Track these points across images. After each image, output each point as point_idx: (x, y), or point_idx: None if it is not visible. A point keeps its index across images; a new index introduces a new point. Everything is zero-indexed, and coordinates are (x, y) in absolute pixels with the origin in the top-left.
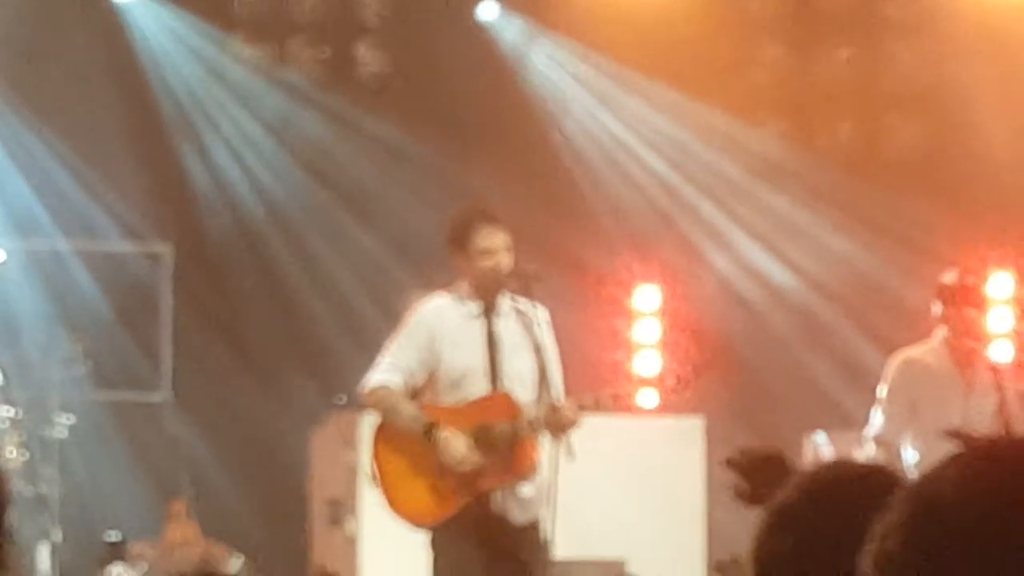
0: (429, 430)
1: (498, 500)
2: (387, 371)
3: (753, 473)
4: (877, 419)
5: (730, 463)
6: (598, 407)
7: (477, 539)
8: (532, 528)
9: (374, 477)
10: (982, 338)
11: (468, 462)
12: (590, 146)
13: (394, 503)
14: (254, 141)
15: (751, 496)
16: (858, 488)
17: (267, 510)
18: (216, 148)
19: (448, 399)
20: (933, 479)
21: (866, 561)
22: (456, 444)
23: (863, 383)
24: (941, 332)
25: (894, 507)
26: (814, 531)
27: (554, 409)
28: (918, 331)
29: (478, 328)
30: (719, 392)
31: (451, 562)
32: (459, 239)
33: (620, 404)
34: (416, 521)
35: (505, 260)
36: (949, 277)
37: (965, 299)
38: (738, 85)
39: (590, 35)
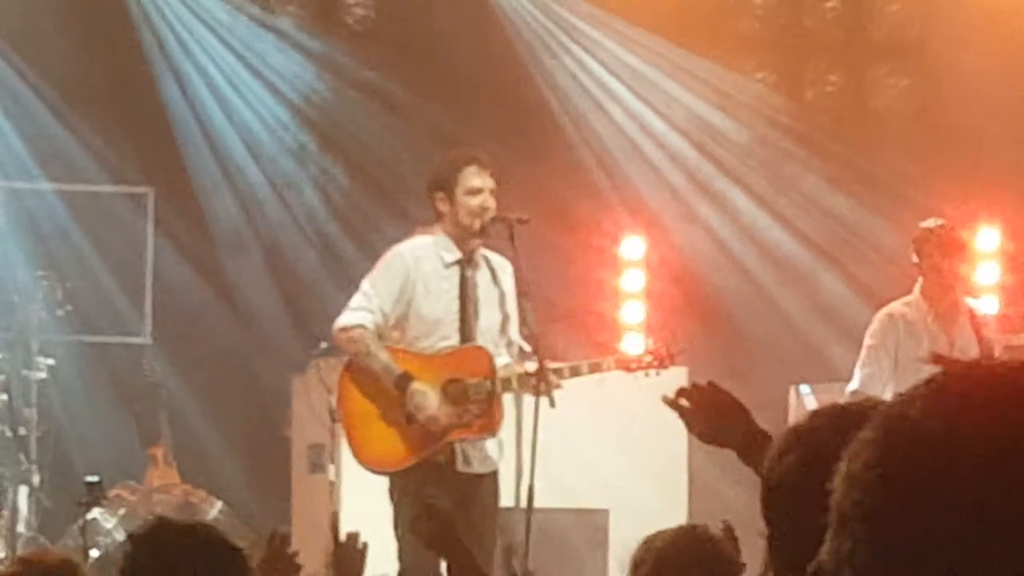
0: (401, 381)
1: (461, 449)
2: (361, 310)
3: (699, 413)
4: (860, 373)
5: (668, 403)
6: (575, 374)
7: (437, 486)
8: (491, 477)
9: (338, 417)
10: (956, 286)
11: (435, 420)
12: (577, 94)
13: (357, 447)
14: (238, 85)
15: (705, 436)
16: (862, 417)
17: (248, 455)
18: (200, 91)
19: (418, 345)
20: (905, 399)
21: (836, 480)
22: (426, 401)
23: (849, 336)
24: (919, 282)
25: (867, 426)
26: (819, 453)
27: (529, 375)
28: (905, 284)
29: (453, 277)
30: (704, 343)
31: (412, 507)
32: (445, 179)
33: (597, 371)
34: (377, 466)
35: (489, 201)
36: (924, 225)
37: (940, 247)
38: (727, 35)
39: None
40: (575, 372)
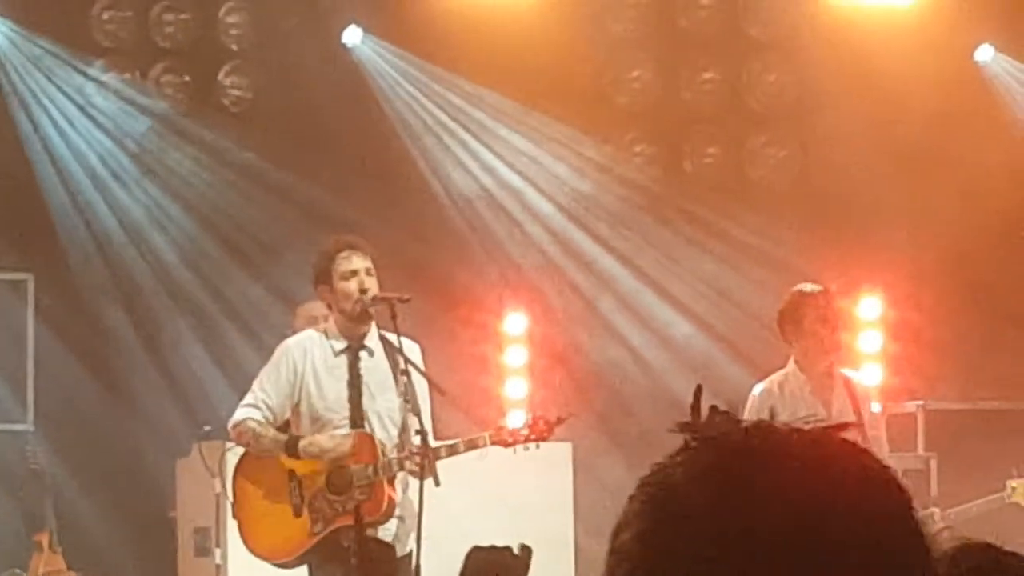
0: (290, 446)
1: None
2: (250, 406)
3: None
4: None
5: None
6: (453, 453)
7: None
8: (405, 560)
9: (233, 512)
10: (833, 354)
11: (338, 449)
12: (457, 171)
13: (249, 539)
14: (116, 168)
15: None
16: None
17: (134, 540)
18: (77, 176)
19: (309, 436)
20: (667, 466)
21: (607, 553)
22: (320, 440)
23: (733, 409)
24: (793, 352)
25: (634, 496)
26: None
27: (412, 454)
28: (787, 355)
29: (343, 365)
30: (587, 418)
31: None
32: (322, 271)
33: (474, 448)
34: (271, 557)
35: (367, 282)
36: (800, 289)
37: (817, 313)
38: (605, 109)
39: (456, 61)
40: (452, 451)
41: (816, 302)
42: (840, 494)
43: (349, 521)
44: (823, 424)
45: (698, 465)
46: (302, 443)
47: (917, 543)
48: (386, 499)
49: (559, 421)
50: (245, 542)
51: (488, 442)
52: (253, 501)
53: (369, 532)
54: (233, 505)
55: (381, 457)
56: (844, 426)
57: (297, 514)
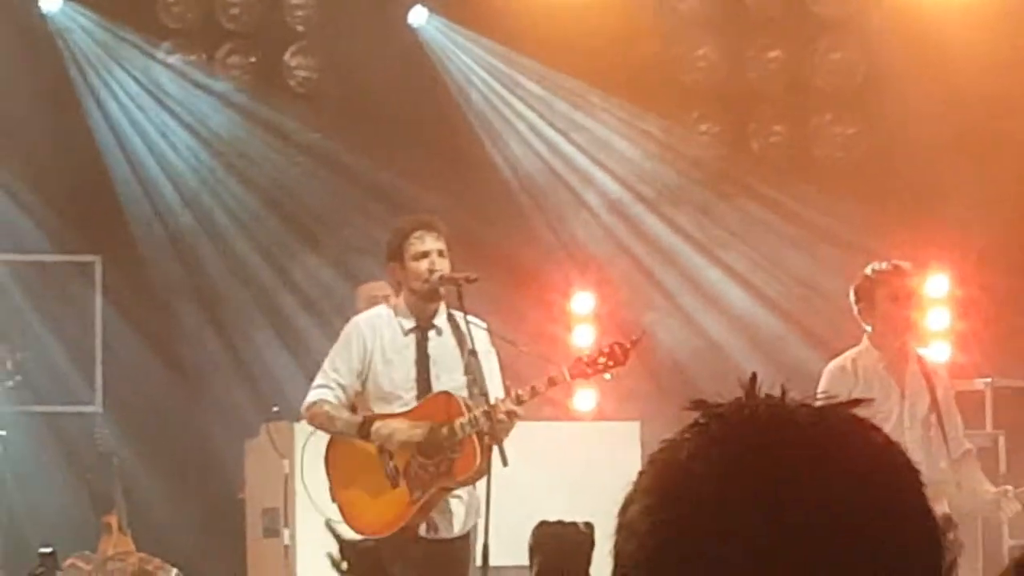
0: (363, 429)
1: (427, 520)
2: (322, 387)
3: None
4: None
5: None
6: (535, 395)
7: (403, 560)
8: (462, 540)
9: (331, 495)
10: (906, 332)
11: (414, 434)
12: (524, 151)
13: (353, 520)
14: (183, 150)
15: None
16: None
17: (202, 522)
18: (145, 157)
19: (382, 418)
20: (675, 443)
21: (616, 529)
22: (393, 425)
23: (802, 389)
24: (867, 331)
25: (643, 471)
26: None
27: (491, 408)
28: (856, 334)
29: (411, 344)
30: (655, 397)
31: None
32: (394, 250)
33: (555, 385)
34: (379, 532)
35: (439, 263)
36: (873, 269)
37: (889, 292)
38: (670, 87)
39: (521, 40)
40: (534, 392)
41: (888, 280)
42: (841, 468)
43: (447, 482)
44: (837, 401)
45: (703, 440)
46: (375, 426)
47: (921, 522)
48: (478, 455)
49: (634, 344)
50: (350, 524)
51: (568, 376)
52: (349, 481)
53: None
54: (331, 490)
55: (468, 412)
56: (856, 402)
57: (394, 485)
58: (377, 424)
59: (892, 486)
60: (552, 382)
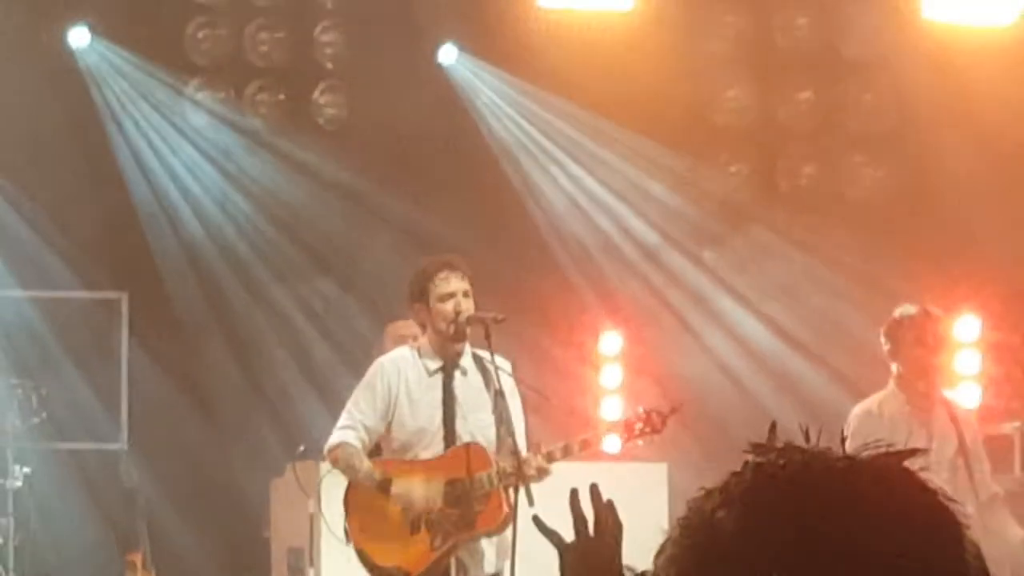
0: (384, 486)
1: (455, 560)
2: (347, 428)
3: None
4: None
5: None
6: (567, 455)
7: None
8: None
9: (348, 536)
10: (933, 376)
11: (430, 502)
12: (552, 190)
13: (371, 561)
14: (211, 187)
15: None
16: None
17: (227, 560)
18: (172, 194)
19: (403, 456)
20: (707, 493)
21: None
22: (412, 491)
23: (830, 431)
24: (893, 373)
25: (675, 521)
26: None
27: (522, 463)
28: (882, 374)
29: (437, 385)
30: (682, 438)
31: None
32: (419, 291)
33: (588, 448)
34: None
35: (464, 304)
36: (900, 312)
37: (916, 335)
38: (700, 128)
39: (551, 79)
40: (567, 452)
41: (915, 324)
42: (872, 529)
43: (469, 533)
44: (887, 451)
45: (733, 491)
46: (395, 488)
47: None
48: (503, 508)
49: (672, 412)
50: (368, 567)
51: (603, 436)
52: (370, 527)
53: (467, 551)
54: (348, 534)
55: (495, 466)
56: (911, 452)
57: (415, 531)
58: (397, 486)
59: (934, 549)
60: (586, 444)
